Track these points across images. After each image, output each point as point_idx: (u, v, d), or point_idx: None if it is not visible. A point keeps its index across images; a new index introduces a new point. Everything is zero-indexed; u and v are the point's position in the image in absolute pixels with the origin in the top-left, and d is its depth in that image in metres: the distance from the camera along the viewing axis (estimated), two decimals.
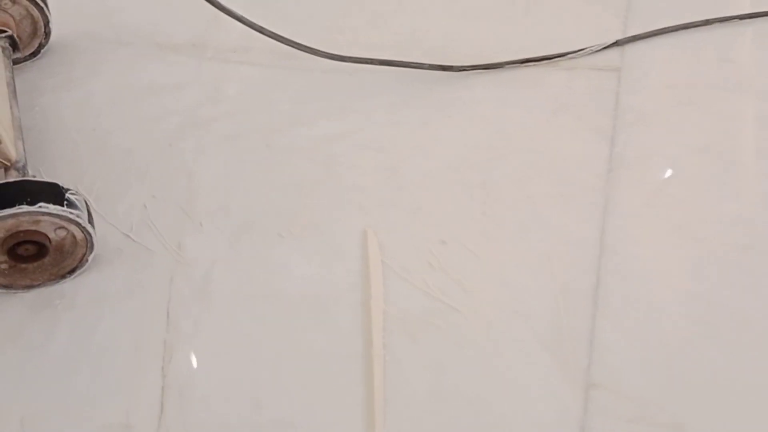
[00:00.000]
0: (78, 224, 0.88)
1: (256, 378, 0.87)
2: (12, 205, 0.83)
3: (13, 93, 1.01)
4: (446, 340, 0.90)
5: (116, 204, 1.02)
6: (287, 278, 0.95)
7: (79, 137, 1.09)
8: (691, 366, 0.88)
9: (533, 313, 0.92)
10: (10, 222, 0.85)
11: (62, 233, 0.89)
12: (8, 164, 0.91)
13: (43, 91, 1.14)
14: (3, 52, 1.06)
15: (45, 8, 1.13)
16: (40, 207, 0.84)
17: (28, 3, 1.11)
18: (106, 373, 0.88)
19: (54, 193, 0.86)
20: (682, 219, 1.01)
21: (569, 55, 1.17)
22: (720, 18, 1.21)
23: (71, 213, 0.86)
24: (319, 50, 1.11)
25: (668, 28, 1.21)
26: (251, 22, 1.08)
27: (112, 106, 1.13)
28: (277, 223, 1.01)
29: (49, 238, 0.88)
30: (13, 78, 1.04)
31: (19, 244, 0.87)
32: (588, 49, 1.18)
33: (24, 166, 0.93)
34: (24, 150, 0.96)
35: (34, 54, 1.16)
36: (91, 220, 0.90)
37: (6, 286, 0.91)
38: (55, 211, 0.85)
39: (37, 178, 0.89)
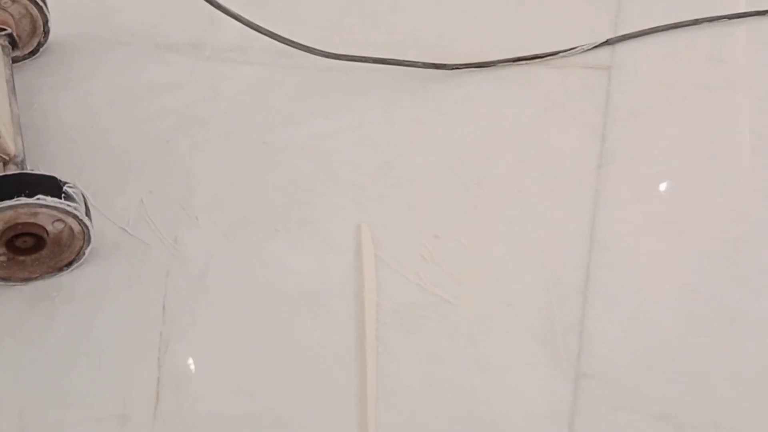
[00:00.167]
0: (75, 217, 0.89)
1: (251, 369, 0.89)
2: (10, 197, 0.85)
3: (12, 90, 1.03)
4: (439, 332, 0.92)
5: (114, 199, 1.03)
6: (282, 272, 0.97)
7: (77, 135, 1.10)
8: (680, 356, 0.90)
9: (525, 305, 0.94)
10: (9, 214, 0.86)
11: (60, 226, 0.90)
12: (7, 159, 0.92)
13: (42, 90, 1.16)
14: (2, 50, 1.07)
15: (44, 7, 1.14)
16: (38, 199, 0.85)
17: (27, 2, 1.12)
18: (103, 364, 0.89)
19: (52, 186, 0.87)
20: (672, 213, 1.02)
21: (561, 54, 1.19)
22: (709, 17, 1.23)
23: (69, 205, 0.87)
24: (315, 48, 1.13)
25: (658, 27, 1.22)
26: (248, 20, 1.09)
27: (109, 105, 1.15)
28: (273, 218, 1.02)
29: (46, 231, 0.89)
30: (12, 75, 1.05)
31: (17, 236, 0.88)
32: (579, 48, 1.19)
33: (23, 161, 0.95)
34: (23, 146, 0.97)
35: (33, 53, 1.17)
36: (88, 213, 0.91)
37: (4, 279, 0.92)
38: (52, 204, 0.86)
39: (36, 171, 0.90)
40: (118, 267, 0.97)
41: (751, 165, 1.07)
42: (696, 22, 1.23)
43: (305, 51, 1.13)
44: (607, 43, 1.21)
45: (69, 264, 0.94)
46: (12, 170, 0.93)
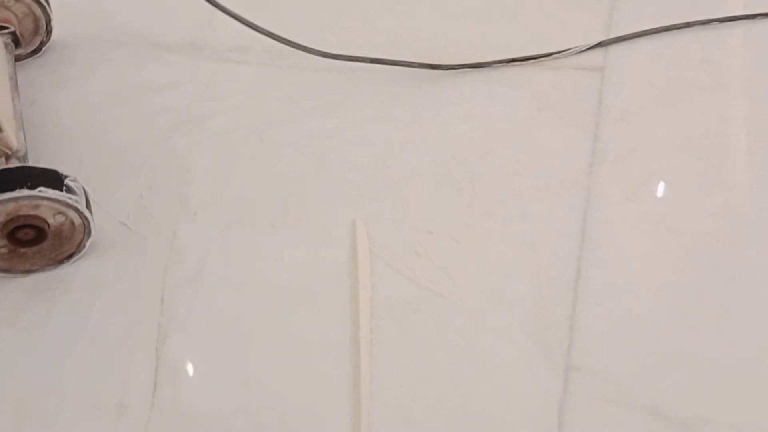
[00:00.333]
0: (76, 210, 0.91)
1: (246, 361, 0.90)
2: (12, 189, 0.86)
3: (15, 87, 1.04)
4: (432, 326, 0.93)
5: (113, 195, 1.05)
6: (278, 266, 0.98)
7: (78, 132, 1.12)
8: (669, 352, 0.91)
9: (516, 300, 0.96)
10: (11, 206, 0.88)
11: (61, 219, 0.92)
12: (9, 153, 0.94)
13: (44, 88, 1.17)
14: (5, 47, 1.09)
15: (47, 7, 1.16)
16: (39, 191, 0.87)
17: (30, 1, 1.14)
18: (101, 354, 0.91)
19: (53, 179, 0.89)
20: (662, 212, 1.04)
21: (554, 55, 1.21)
22: (701, 21, 1.25)
23: (70, 198, 0.89)
24: (312, 48, 1.15)
25: (650, 30, 1.24)
26: (247, 20, 1.11)
27: (110, 103, 1.17)
28: (269, 214, 1.04)
29: (48, 223, 0.91)
30: (15, 73, 1.07)
31: (18, 228, 0.90)
32: (573, 50, 1.21)
33: (25, 156, 0.96)
34: (25, 141, 0.99)
35: (35, 51, 1.19)
36: (89, 206, 0.93)
37: (5, 271, 0.94)
38: (54, 196, 0.88)
39: (38, 165, 0.92)
40: (117, 260, 0.98)
41: (740, 165, 1.09)
42: (688, 25, 1.25)
43: (303, 50, 1.15)
44: (600, 45, 1.23)
45: (69, 256, 0.96)
46: (14, 164, 0.95)
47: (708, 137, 1.13)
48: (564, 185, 1.07)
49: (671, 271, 0.98)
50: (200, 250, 1.00)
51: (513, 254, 1.00)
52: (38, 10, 1.16)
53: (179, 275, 0.97)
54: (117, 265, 0.98)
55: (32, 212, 0.90)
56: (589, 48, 1.23)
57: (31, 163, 0.99)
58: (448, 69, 1.19)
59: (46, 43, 1.19)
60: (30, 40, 1.18)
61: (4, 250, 0.93)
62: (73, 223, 0.93)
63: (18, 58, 1.15)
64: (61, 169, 0.92)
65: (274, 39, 1.14)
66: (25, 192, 0.87)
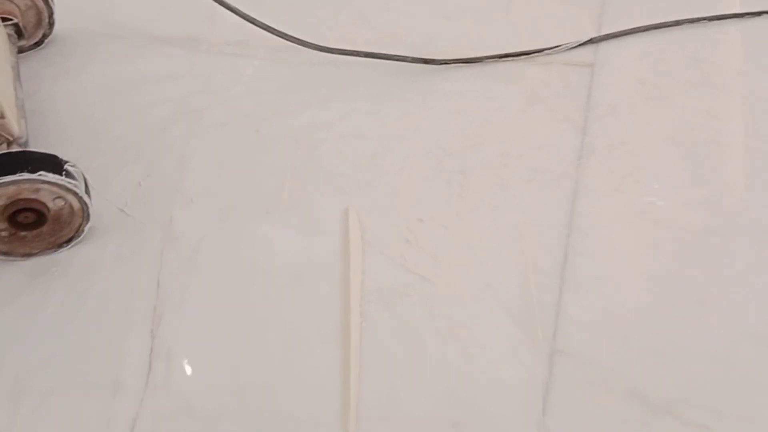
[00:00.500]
0: (75, 194, 0.93)
1: (238, 341, 0.93)
2: (13, 173, 0.89)
3: (17, 76, 1.07)
4: (420, 310, 0.96)
5: (111, 182, 1.07)
6: (271, 251, 1.01)
7: (78, 121, 1.15)
8: (651, 337, 0.94)
9: (503, 286, 0.98)
10: (12, 189, 0.90)
11: (60, 203, 0.94)
12: (11, 139, 0.97)
13: (46, 79, 1.20)
14: (8, 38, 1.12)
15: (49, 0, 1.19)
16: (40, 175, 0.90)
17: None
18: (97, 334, 0.93)
19: (53, 164, 0.92)
20: (647, 203, 1.06)
21: (545, 51, 1.23)
22: (690, 19, 1.28)
23: (69, 182, 0.92)
24: (308, 42, 1.18)
25: (640, 27, 1.27)
26: (245, 14, 1.14)
27: (109, 94, 1.19)
28: (263, 202, 1.06)
29: (47, 207, 0.94)
30: (17, 63, 1.10)
31: (19, 211, 0.93)
32: (563, 46, 1.24)
33: (26, 143, 0.99)
34: (26, 128, 1.01)
35: (38, 44, 1.22)
36: (87, 191, 0.96)
37: (5, 254, 0.96)
38: (54, 180, 0.91)
39: (38, 150, 0.94)
40: (115, 245, 1.01)
41: (725, 159, 1.11)
42: (677, 23, 1.28)
43: (299, 44, 1.18)
44: (590, 42, 1.25)
45: (68, 241, 0.98)
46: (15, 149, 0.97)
47: (695, 132, 1.15)
48: (552, 177, 1.09)
49: (655, 261, 1.00)
50: (195, 236, 1.02)
51: (501, 242, 1.02)
52: (41, 3, 1.19)
53: (175, 260, 1.00)
54: (114, 249, 1.01)
55: (32, 196, 0.92)
56: (580, 45, 1.25)
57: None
58: (441, 64, 1.22)
59: (48, 36, 1.22)
60: (33, 32, 1.21)
61: (4, 234, 0.95)
62: (72, 207, 0.95)
63: (21, 50, 1.18)
64: (61, 155, 0.95)
65: (272, 33, 1.17)
66: (25, 176, 0.89)
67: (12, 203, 0.92)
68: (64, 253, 0.99)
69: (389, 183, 1.09)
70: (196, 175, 1.09)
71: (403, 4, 1.34)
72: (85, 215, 0.97)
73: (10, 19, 1.14)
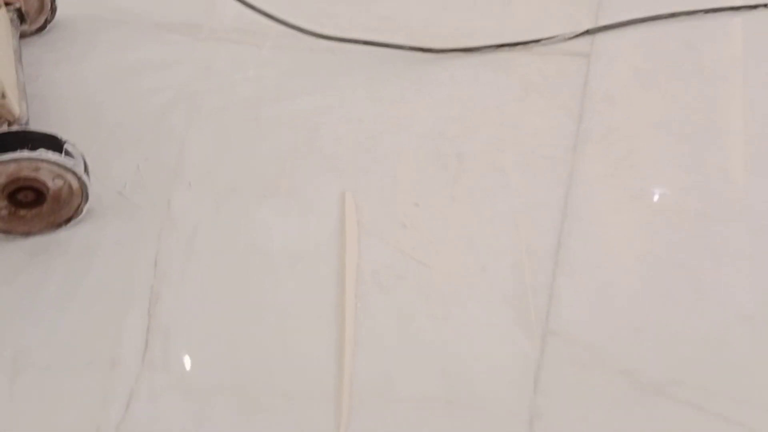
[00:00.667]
0: (75, 173, 0.94)
1: (235, 322, 0.94)
2: (14, 150, 0.90)
3: (19, 60, 1.08)
4: (415, 292, 0.97)
5: (111, 166, 1.08)
6: (268, 234, 1.02)
7: (79, 106, 1.16)
8: (644, 319, 0.95)
9: (498, 269, 0.99)
10: (12, 167, 0.91)
11: (59, 182, 0.95)
12: (12, 120, 0.98)
13: (48, 64, 1.22)
14: (11, 23, 1.13)
15: None
16: (40, 153, 0.91)
17: None
18: (95, 313, 0.94)
19: (53, 143, 0.93)
20: (641, 188, 1.07)
21: (543, 41, 1.24)
22: (686, 11, 1.29)
23: (69, 162, 0.93)
24: (307, 30, 1.19)
25: (637, 19, 1.28)
26: (245, 0, 1.15)
27: (110, 80, 1.21)
28: (261, 186, 1.07)
29: (47, 187, 0.95)
30: (19, 47, 1.11)
31: (18, 190, 0.94)
32: (560, 36, 1.25)
33: (27, 124, 1.00)
34: (27, 110, 1.02)
35: (40, 29, 1.23)
36: (87, 171, 0.97)
37: (5, 232, 0.98)
38: (53, 159, 0.92)
39: (38, 129, 0.95)
40: (113, 226, 1.02)
41: (718, 146, 1.12)
42: (673, 15, 1.29)
43: (298, 31, 1.19)
44: (587, 32, 1.26)
45: (67, 220, 0.99)
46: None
47: (689, 120, 1.16)
48: (548, 162, 1.10)
49: (648, 244, 1.01)
50: (193, 219, 1.03)
51: (496, 226, 1.03)
52: None
53: (173, 241, 1.01)
54: (113, 230, 1.02)
55: (32, 174, 0.93)
56: (577, 35, 1.26)
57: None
58: (438, 52, 1.23)
59: (50, 22, 1.24)
60: (35, 18, 1.22)
61: (4, 212, 0.96)
62: (71, 187, 0.96)
63: (23, 35, 1.20)
64: (60, 135, 0.96)
65: (272, 20, 1.18)
66: (26, 153, 0.90)
67: (12, 181, 0.93)
68: (63, 233, 1.01)
69: (386, 168, 1.10)
70: (194, 160, 1.10)
71: None
72: (84, 195, 0.98)
73: (12, 4, 1.15)
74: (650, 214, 1.05)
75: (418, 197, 1.06)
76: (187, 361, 0.90)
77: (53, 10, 1.22)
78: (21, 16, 1.15)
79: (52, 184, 0.95)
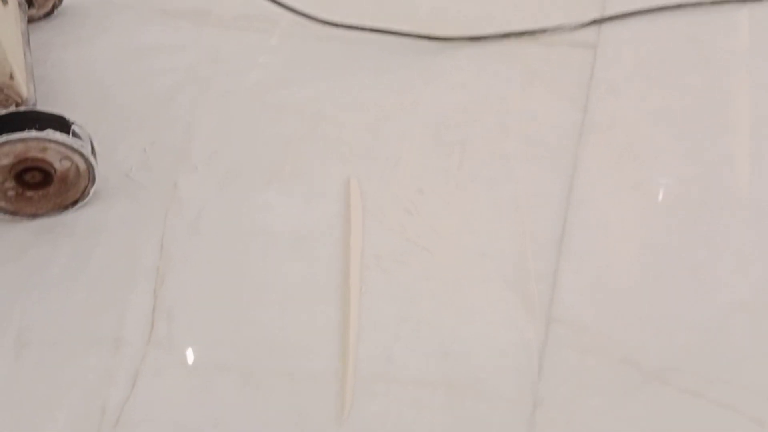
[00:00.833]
0: (82, 155, 0.95)
1: (239, 302, 0.94)
2: (22, 130, 0.90)
3: (27, 42, 1.09)
4: (418, 277, 0.97)
5: (117, 148, 1.09)
6: (272, 217, 1.02)
7: (86, 89, 1.17)
8: (645, 307, 0.95)
9: (501, 256, 0.99)
10: (19, 147, 0.92)
11: (67, 164, 0.96)
12: (20, 101, 0.98)
13: (56, 47, 1.22)
14: (19, 6, 1.13)
15: None
16: (48, 134, 0.91)
17: None
18: (101, 292, 0.95)
19: (61, 124, 0.93)
20: (644, 179, 1.08)
21: (549, 31, 1.24)
22: (693, 2, 1.29)
23: (76, 143, 0.93)
24: (314, 16, 1.19)
25: (644, 9, 1.28)
26: None
27: (117, 63, 1.21)
28: (266, 170, 1.08)
29: (54, 168, 0.95)
30: (27, 30, 1.11)
31: (26, 170, 0.94)
32: (567, 26, 1.25)
33: (34, 105, 1.01)
34: (35, 92, 1.03)
35: (48, 14, 1.23)
36: (94, 153, 0.97)
37: (12, 213, 0.98)
38: (61, 139, 0.92)
39: (46, 110, 0.96)
40: (119, 208, 1.03)
41: (721, 138, 1.12)
42: (680, 6, 1.29)
43: (305, 17, 1.19)
44: (594, 22, 1.26)
45: (74, 202, 1.00)
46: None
47: (693, 111, 1.16)
48: (552, 151, 1.11)
49: (650, 233, 1.02)
50: (199, 201, 1.04)
51: (500, 214, 1.04)
52: None
53: (178, 223, 1.01)
54: (119, 212, 1.02)
55: (40, 155, 0.94)
56: (584, 25, 1.27)
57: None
58: (444, 41, 1.23)
59: (58, 6, 1.24)
60: (43, 2, 1.22)
61: (11, 193, 0.97)
62: (78, 168, 0.97)
63: (31, 20, 1.20)
64: (68, 116, 0.97)
65: (279, 7, 1.18)
66: (33, 133, 0.91)
67: (19, 162, 0.93)
68: (69, 215, 1.01)
69: (391, 154, 1.10)
70: (200, 143, 1.11)
71: None
72: (91, 177, 0.98)
73: None
74: (653, 204, 1.05)
75: (422, 184, 1.06)
76: (192, 341, 0.91)
77: None
78: (29, 0, 1.16)
79: (59, 165, 0.96)
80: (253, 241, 1.00)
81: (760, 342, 0.90)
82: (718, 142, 1.11)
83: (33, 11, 1.19)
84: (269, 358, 0.89)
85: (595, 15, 1.28)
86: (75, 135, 0.94)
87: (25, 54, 1.06)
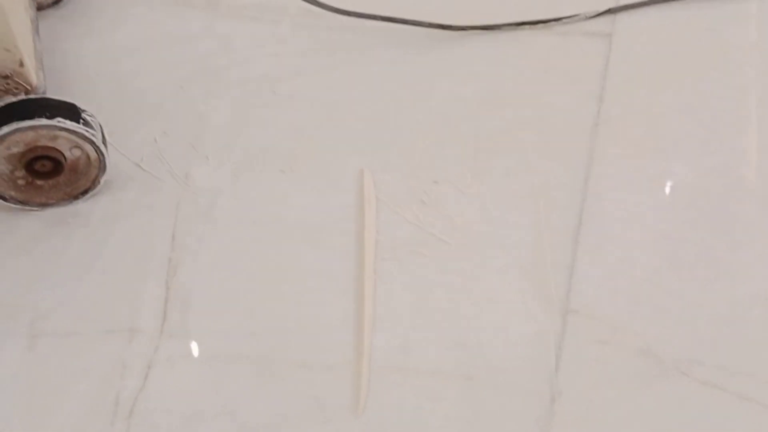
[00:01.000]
0: (92, 143, 0.93)
1: (253, 293, 0.93)
2: (32, 118, 0.89)
3: (36, 30, 1.07)
4: (434, 268, 0.96)
5: (129, 137, 1.07)
6: (286, 207, 1.01)
7: (96, 78, 1.15)
8: (664, 299, 0.94)
9: (517, 247, 0.98)
10: (30, 135, 0.91)
11: (77, 153, 0.95)
12: (29, 89, 0.97)
13: (64, 37, 1.20)
14: None
15: None
16: (58, 121, 0.90)
17: None
18: (113, 284, 0.94)
19: (71, 112, 0.92)
20: (661, 169, 1.06)
21: (564, 20, 1.23)
22: None
23: (87, 131, 0.92)
24: (326, 4, 1.18)
25: None
26: None
27: (128, 53, 1.19)
28: (279, 160, 1.06)
29: (64, 156, 0.94)
30: (36, 17, 1.10)
31: (36, 159, 0.93)
32: (582, 15, 1.24)
33: (44, 93, 0.99)
34: (44, 80, 1.02)
35: (57, 2, 1.22)
36: (104, 142, 0.96)
37: (22, 202, 0.97)
38: (71, 127, 0.91)
39: (56, 97, 0.95)
40: (131, 198, 1.01)
41: (739, 129, 1.11)
42: None
43: (317, 6, 1.18)
44: (609, 11, 1.25)
45: (85, 192, 0.98)
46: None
47: (710, 102, 1.14)
48: (567, 142, 1.09)
49: (668, 224, 1.00)
50: (211, 192, 1.02)
51: (516, 204, 1.02)
52: None
53: (190, 214, 1.00)
54: (131, 202, 1.01)
55: (50, 143, 0.92)
56: (599, 14, 1.25)
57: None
58: (458, 30, 1.21)
59: None
60: None
61: (21, 182, 0.96)
62: (89, 157, 0.96)
63: (40, 8, 1.19)
64: (78, 103, 0.95)
65: None
66: (43, 121, 0.90)
67: (30, 150, 0.92)
68: (80, 205, 1.00)
69: (404, 144, 1.09)
70: (212, 133, 1.09)
71: None
72: (102, 166, 0.97)
73: None
74: (669, 195, 1.04)
75: (437, 175, 1.05)
76: (205, 332, 0.90)
77: None
78: None
79: (70, 154, 0.94)
80: (266, 232, 0.99)
81: None
82: (736, 132, 1.10)
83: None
84: (284, 348, 0.88)
85: (610, 4, 1.26)
86: (86, 123, 0.93)
87: (34, 41, 1.05)
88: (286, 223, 0.99)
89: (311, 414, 0.85)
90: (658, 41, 1.23)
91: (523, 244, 0.98)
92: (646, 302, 0.93)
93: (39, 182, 0.96)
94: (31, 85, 0.97)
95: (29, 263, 0.94)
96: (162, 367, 0.86)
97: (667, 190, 1.04)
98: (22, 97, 0.93)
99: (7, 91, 0.95)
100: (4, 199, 0.97)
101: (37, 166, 0.94)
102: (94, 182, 0.98)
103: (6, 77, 0.94)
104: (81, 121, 0.92)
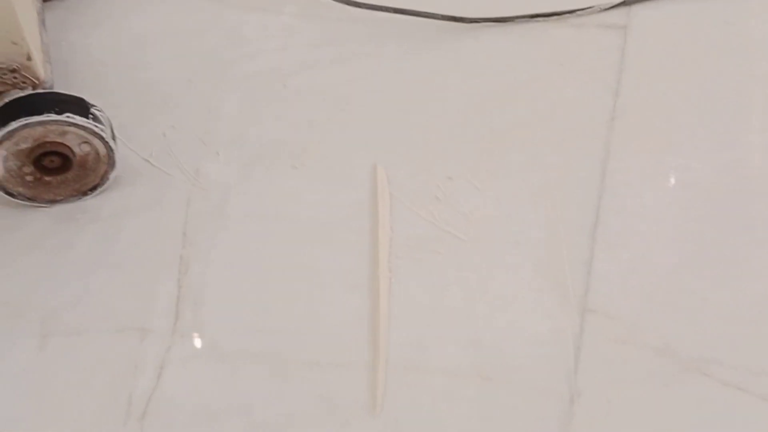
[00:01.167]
0: (102, 138, 0.92)
1: (265, 290, 0.92)
2: (40, 113, 0.88)
3: (42, 22, 1.06)
4: (449, 265, 0.94)
5: (138, 132, 1.06)
6: (298, 203, 1.00)
7: (104, 71, 1.13)
8: (682, 297, 0.92)
9: (534, 244, 0.96)
10: (38, 130, 0.89)
11: (86, 148, 0.93)
12: (37, 83, 0.95)
13: (71, 29, 1.18)
14: None
15: None
16: (67, 117, 0.88)
17: None
18: (124, 282, 0.92)
19: (80, 107, 0.91)
20: (679, 164, 1.04)
21: (578, 12, 1.21)
22: None
23: (96, 126, 0.91)
24: None
25: None
26: None
27: (136, 45, 1.18)
28: (290, 155, 1.05)
29: (73, 152, 0.92)
30: (42, 9, 1.08)
31: (45, 155, 0.92)
32: (596, 7, 1.22)
33: (51, 87, 0.98)
34: (51, 74, 1.00)
35: None
36: (113, 137, 0.94)
37: (30, 199, 0.95)
38: (81, 123, 0.89)
39: (65, 92, 0.93)
40: (140, 194, 1.00)
41: (757, 124, 1.09)
42: None
43: None
44: (623, 3, 1.23)
45: (94, 188, 0.97)
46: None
47: (727, 96, 1.12)
48: (583, 136, 1.07)
49: (686, 220, 0.99)
50: (222, 188, 1.01)
51: (532, 200, 1.01)
52: None
53: (201, 210, 0.99)
54: (140, 199, 0.99)
55: (59, 139, 0.91)
56: (613, 6, 1.23)
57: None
58: (470, 22, 1.19)
59: None
60: None
61: (29, 178, 0.94)
62: (98, 153, 0.94)
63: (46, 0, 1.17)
64: (87, 98, 0.94)
65: None
66: (53, 116, 0.88)
67: (39, 146, 0.91)
68: (89, 201, 0.98)
69: (417, 139, 1.07)
70: (222, 128, 1.08)
71: None
72: (111, 162, 0.95)
73: None
74: (687, 190, 1.02)
75: (451, 170, 1.03)
76: (218, 330, 0.89)
77: None
78: None
79: (79, 149, 0.93)
80: (278, 228, 0.97)
81: None
82: (753, 127, 1.08)
83: None
84: (297, 346, 0.87)
85: None
86: (95, 118, 0.91)
87: (41, 34, 1.03)
88: (299, 219, 0.98)
89: (326, 414, 0.83)
90: (674, 33, 1.21)
91: (539, 241, 0.97)
92: (665, 300, 0.92)
93: (47, 178, 0.95)
94: (38, 79, 0.95)
95: (38, 260, 0.93)
96: (175, 366, 0.85)
97: (685, 185, 1.02)
98: (30, 91, 0.92)
99: (14, 86, 0.94)
100: (13, 195, 0.95)
101: (46, 162, 0.93)
102: (103, 178, 0.96)
103: (13, 71, 0.93)
104: (90, 116, 0.91)
